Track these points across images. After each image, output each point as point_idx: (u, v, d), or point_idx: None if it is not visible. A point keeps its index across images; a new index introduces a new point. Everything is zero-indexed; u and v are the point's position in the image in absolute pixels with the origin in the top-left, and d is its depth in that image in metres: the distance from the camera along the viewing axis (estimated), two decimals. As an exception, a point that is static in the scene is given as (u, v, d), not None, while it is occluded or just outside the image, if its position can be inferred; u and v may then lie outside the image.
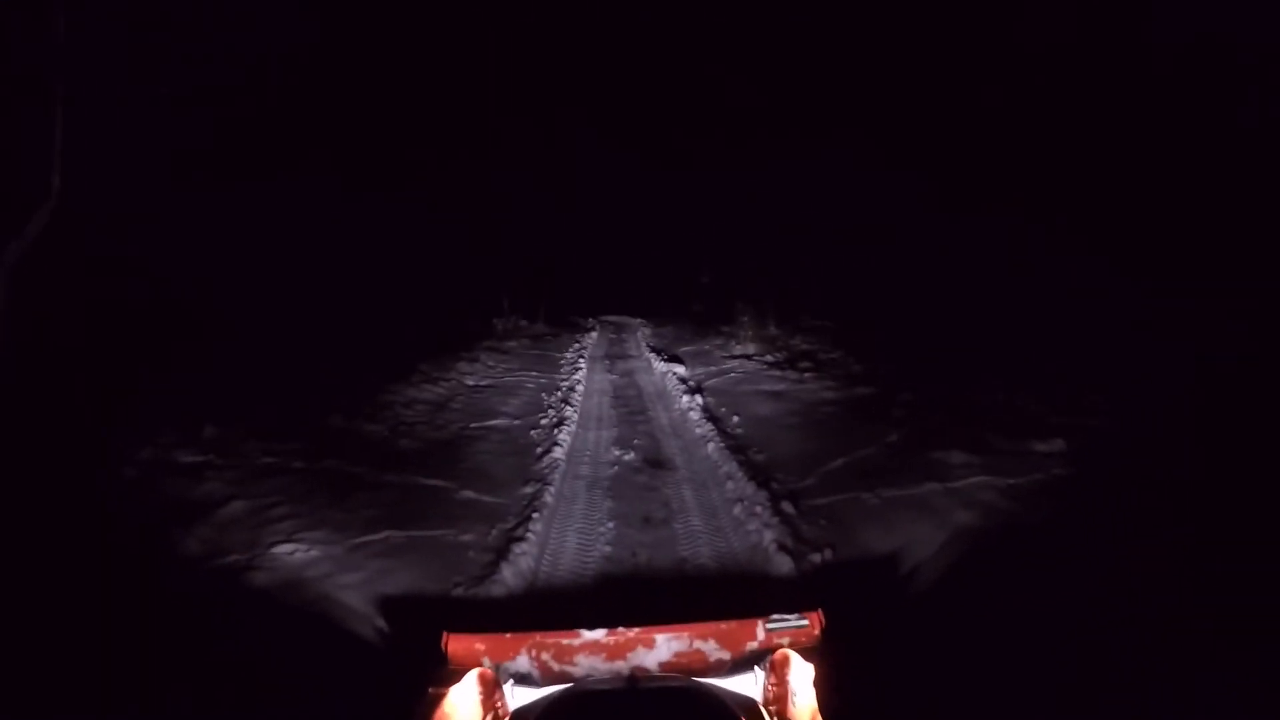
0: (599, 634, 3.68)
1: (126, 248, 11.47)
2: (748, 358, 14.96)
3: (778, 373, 13.32)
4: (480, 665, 3.41)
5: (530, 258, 24.41)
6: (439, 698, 2.85)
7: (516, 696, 3.36)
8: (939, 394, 9.92)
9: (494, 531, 6.73)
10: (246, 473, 7.82)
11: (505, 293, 22.06)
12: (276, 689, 4.07)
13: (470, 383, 13.66)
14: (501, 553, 6.24)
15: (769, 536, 6.26)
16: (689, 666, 3.53)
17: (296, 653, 4.65)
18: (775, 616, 3.67)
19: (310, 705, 3.88)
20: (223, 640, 4.71)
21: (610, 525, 6.96)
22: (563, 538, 6.72)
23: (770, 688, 3.41)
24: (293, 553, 6.06)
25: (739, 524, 6.77)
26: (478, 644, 3.59)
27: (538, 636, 3.68)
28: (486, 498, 7.65)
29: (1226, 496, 5.49)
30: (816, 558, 5.93)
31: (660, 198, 29.04)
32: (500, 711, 3.17)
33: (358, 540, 6.40)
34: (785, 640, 3.39)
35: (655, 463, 8.81)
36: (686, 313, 23.42)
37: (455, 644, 3.58)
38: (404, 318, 16.99)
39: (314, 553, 6.10)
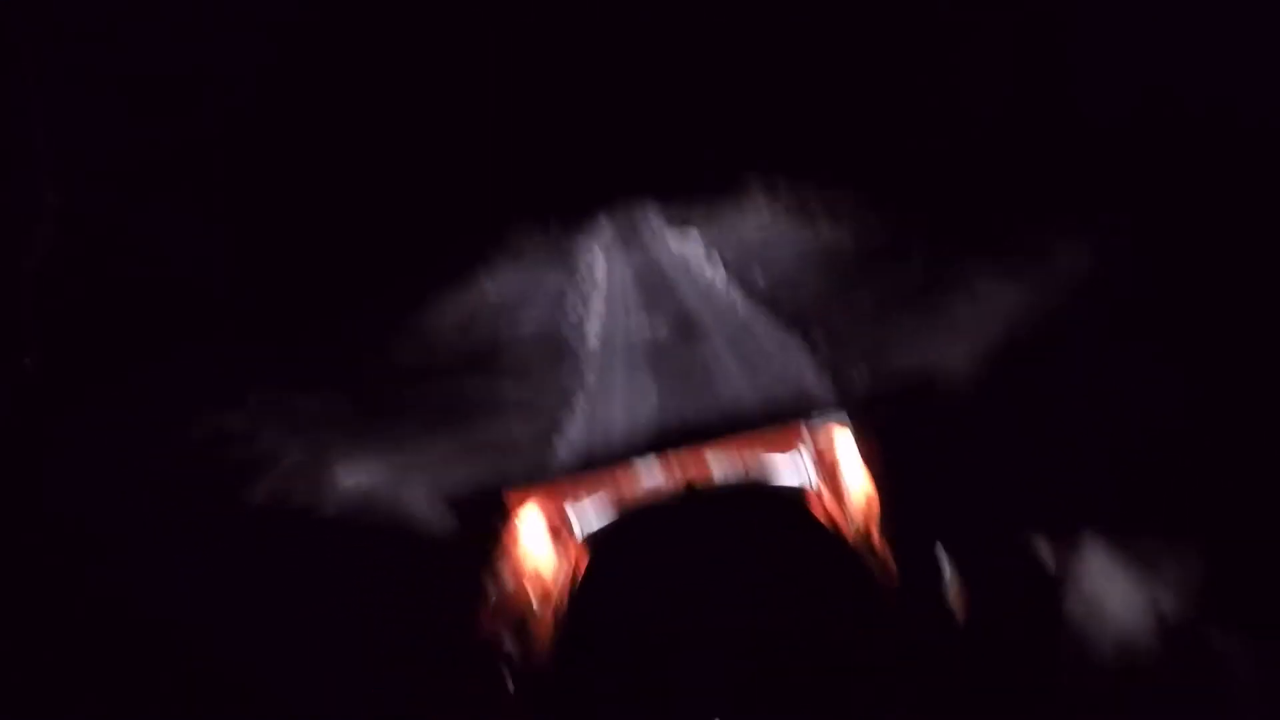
0: (651, 462, 3.77)
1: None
2: (763, 221, 14.69)
3: (794, 231, 13.02)
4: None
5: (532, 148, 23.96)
6: (507, 535, 2.98)
7: (583, 528, 3.48)
8: (962, 226, 9.52)
9: (543, 419, 6.88)
10: (295, 424, 7.73)
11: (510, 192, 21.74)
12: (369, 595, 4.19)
13: (491, 292, 13.57)
14: (551, 435, 6.40)
15: (806, 366, 6.29)
16: (741, 473, 3.63)
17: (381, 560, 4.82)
18: (815, 415, 3.74)
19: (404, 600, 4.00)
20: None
21: (653, 396, 6.96)
22: (609, 412, 6.72)
23: (818, 470, 3.50)
24: (356, 484, 6.33)
25: (776, 365, 6.59)
26: (538, 492, 3.69)
27: (594, 476, 3.78)
28: (528, 393, 7.57)
29: None
30: (854, 374, 5.96)
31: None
32: (569, 545, 3.30)
33: (413, 458, 6.58)
34: (830, 442, 3.49)
35: (687, 332, 8.70)
36: (696, 181, 23.03)
37: (515, 497, 3.69)
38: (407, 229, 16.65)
39: (374, 479, 6.35)
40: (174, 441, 7.66)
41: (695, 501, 2.97)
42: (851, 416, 3.69)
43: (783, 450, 3.77)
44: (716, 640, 1.87)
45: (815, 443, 3.68)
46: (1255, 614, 2.59)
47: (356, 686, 3.29)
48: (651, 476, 3.70)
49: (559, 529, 3.51)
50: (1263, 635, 2.53)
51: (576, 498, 3.74)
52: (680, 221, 16.61)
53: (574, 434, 6.28)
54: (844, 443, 3.23)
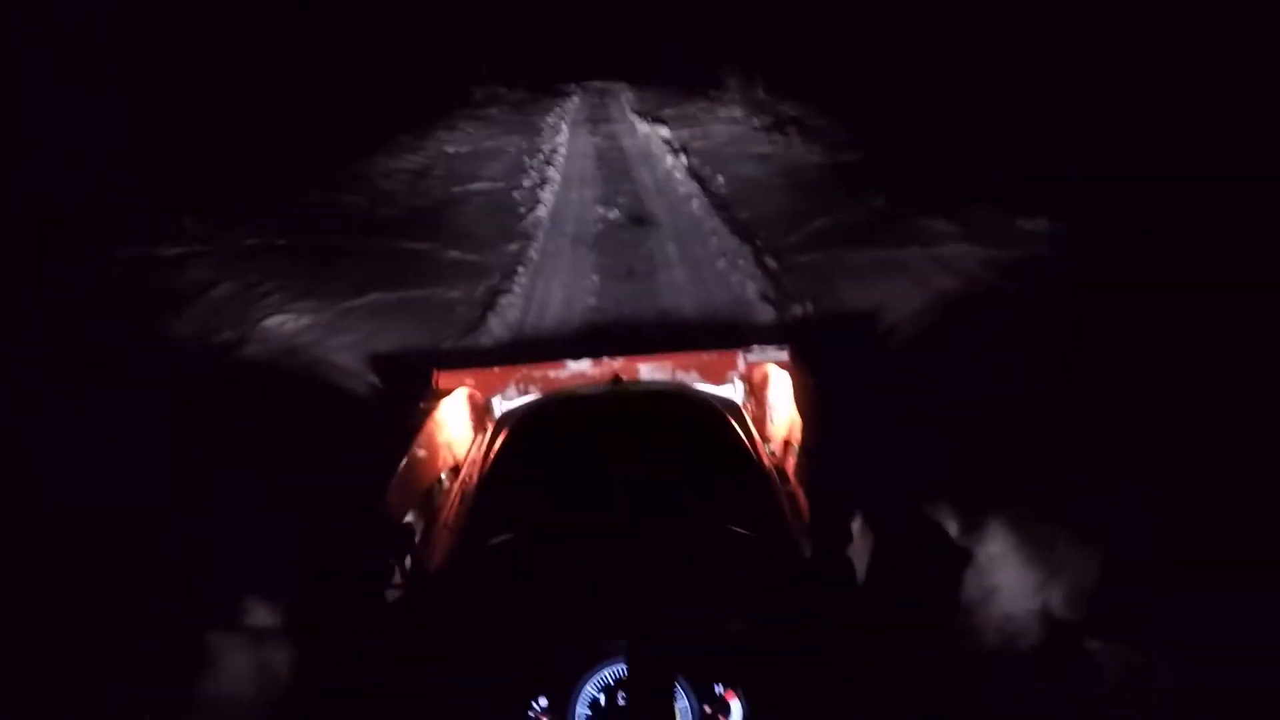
0: (584, 364, 3.80)
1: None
2: (734, 121, 14.58)
3: (763, 136, 13.03)
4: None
5: (508, 20, 23.23)
6: (428, 412, 2.97)
7: (504, 409, 3.51)
8: (928, 164, 9.69)
9: (481, 287, 6.79)
10: (230, 256, 7.70)
11: (483, 59, 21.13)
12: (277, 447, 4.13)
13: (450, 150, 13.36)
14: (489, 306, 6.33)
15: (751, 288, 6.35)
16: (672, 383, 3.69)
17: (293, 415, 4.70)
18: (754, 347, 3.80)
19: (309, 458, 3.96)
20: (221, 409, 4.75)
21: (595, 278, 7.04)
22: (548, 290, 6.81)
23: (750, 405, 3.57)
24: (283, 324, 6.07)
25: (722, 277, 6.84)
26: (467, 378, 3.71)
27: (525, 369, 3.80)
28: (471, 256, 7.66)
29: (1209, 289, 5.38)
30: (798, 309, 6.02)
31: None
32: (486, 424, 3.32)
33: (345, 305, 6.41)
34: (764, 367, 3.53)
35: (639, 220, 8.80)
36: (672, 77, 22.55)
37: (445, 378, 3.69)
38: (374, 86, 16.26)
39: (303, 321, 6.12)
40: (102, 264, 7.46)
41: (620, 397, 2.97)
42: (789, 349, 3.70)
43: (717, 374, 3.78)
44: (616, 539, 1.90)
45: (749, 373, 3.70)
46: (1136, 625, 2.69)
47: (249, 533, 3.29)
48: (582, 381, 3.71)
49: (480, 410, 3.52)
50: (1136, 645, 2.63)
51: (503, 386, 3.73)
52: (652, 111, 16.37)
53: (510, 310, 6.26)
54: (778, 377, 3.25)
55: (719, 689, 1.56)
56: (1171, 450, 3.51)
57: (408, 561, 2.25)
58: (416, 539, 2.43)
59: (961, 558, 1.77)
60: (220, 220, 8.67)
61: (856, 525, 1.97)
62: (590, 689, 1.56)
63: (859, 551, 2.00)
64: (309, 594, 1.83)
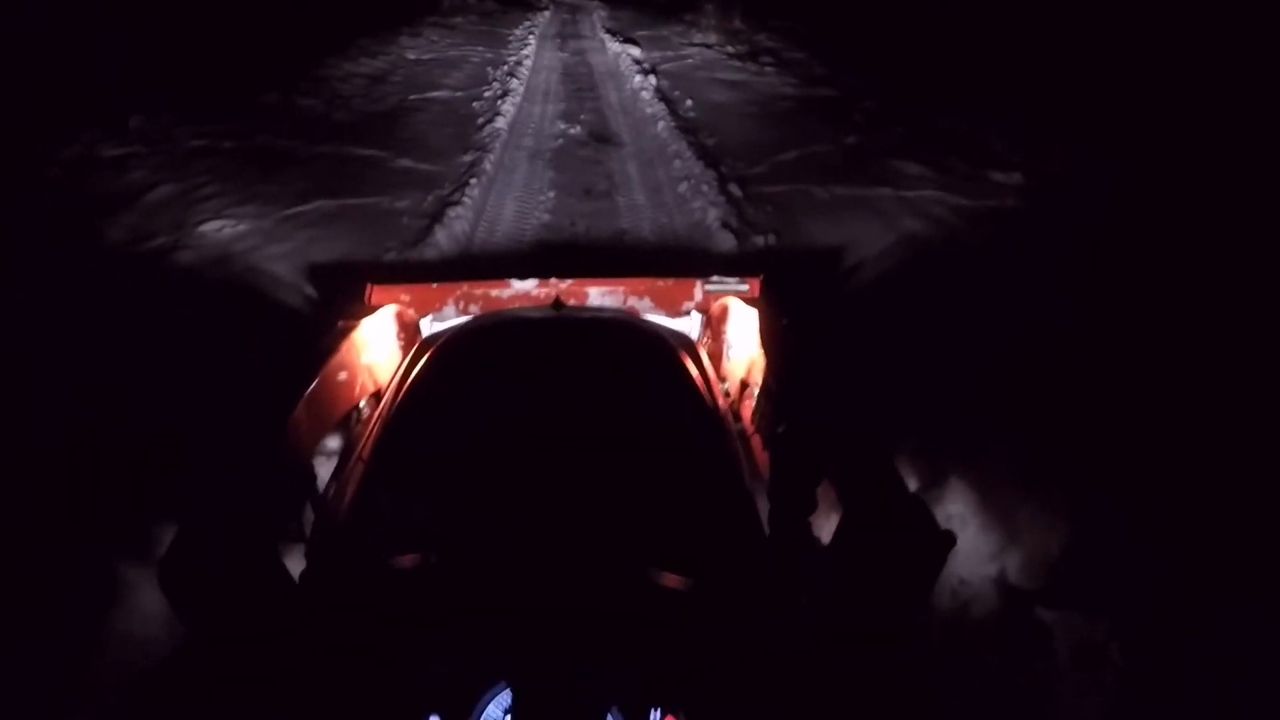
0: (529, 284, 3.53)
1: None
2: (707, 47, 14.11)
3: (737, 64, 12.62)
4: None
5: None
6: (348, 330, 2.67)
7: (434, 330, 3.23)
8: (903, 108, 9.43)
9: (429, 198, 6.50)
10: (174, 158, 7.36)
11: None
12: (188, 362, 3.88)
13: (411, 56, 12.83)
14: (436, 218, 6.04)
15: (713, 215, 6.10)
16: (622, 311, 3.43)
17: (219, 323, 4.48)
18: (714, 278, 3.55)
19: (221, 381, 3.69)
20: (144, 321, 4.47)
21: (550, 195, 6.75)
22: (500, 205, 6.51)
23: (707, 340, 3.33)
24: (220, 229, 5.81)
25: (683, 201, 6.58)
26: (402, 294, 3.42)
27: (465, 286, 3.51)
28: (423, 165, 7.35)
29: (1176, 256, 5.31)
30: (760, 240, 5.80)
31: None
32: (412, 346, 3.04)
33: (287, 212, 6.16)
34: (723, 300, 3.28)
35: (601, 138, 8.46)
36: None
37: (380, 294, 3.40)
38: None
39: (242, 227, 5.86)
40: (46, 163, 7.05)
41: (560, 323, 2.68)
42: (755, 281, 3.46)
43: (673, 302, 3.53)
44: (544, 481, 1.67)
45: (708, 305, 3.44)
46: (1091, 598, 2.55)
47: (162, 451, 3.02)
48: (526, 302, 3.43)
49: (410, 329, 3.23)
50: (1090, 618, 2.49)
51: (441, 303, 3.44)
52: (624, 31, 15.83)
53: (458, 223, 5.96)
54: (739, 312, 2.99)
55: (655, 715, 1.27)
56: (1138, 413, 3.39)
57: (309, 510, 1.99)
58: (321, 480, 2.16)
59: (944, 541, 1.51)
60: (168, 121, 8.27)
61: (821, 489, 1.74)
62: (494, 710, 1.26)
63: (822, 521, 1.78)
64: (182, 546, 1.52)
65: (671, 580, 1.48)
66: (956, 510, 2.99)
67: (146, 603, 2.49)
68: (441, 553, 1.50)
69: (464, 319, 3.18)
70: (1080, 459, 3.11)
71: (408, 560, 1.49)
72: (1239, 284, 4.72)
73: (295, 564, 1.80)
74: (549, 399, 2.07)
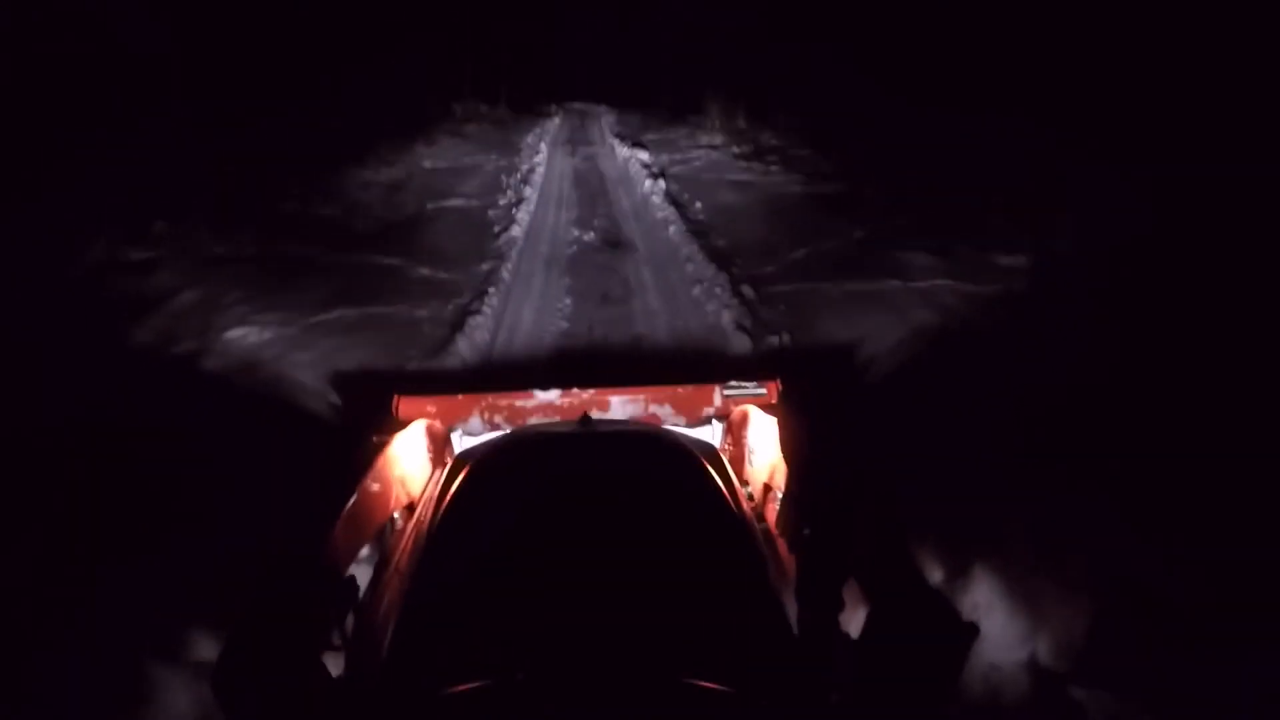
0: (553, 395, 3.62)
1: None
2: (714, 148, 14.54)
3: (743, 164, 12.98)
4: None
5: (492, 38, 23.13)
6: (383, 445, 2.74)
7: (465, 445, 3.30)
8: (907, 198, 9.68)
9: (450, 306, 6.61)
10: (198, 264, 7.50)
11: (466, 75, 21.02)
12: (227, 470, 3.95)
13: (427, 165, 13.23)
14: (457, 326, 6.14)
15: (727, 317, 6.21)
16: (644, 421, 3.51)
17: (248, 432, 4.52)
18: (733, 383, 3.63)
19: (260, 482, 3.76)
20: (173, 428, 4.54)
21: (567, 302, 6.89)
22: (519, 313, 6.65)
23: (728, 446, 3.39)
24: (245, 336, 5.90)
25: (698, 304, 6.71)
26: (429, 405, 3.50)
27: (490, 398, 3.60)
28: (442, 274, 7.50)
29: (1183, 329, 5.39)
30: (774, 340, 5.89)
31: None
32: (445, 460, 3.11)
33: (311, 320, 6.24)
34: (743, 406, 3.35)
35: (615, 243, 8.67)
36: (654, 102, 22.56)
37: (406, 405, 3.48)
38: (357, 100, 16.08)
39: (267, 334, 5.94)
40: (71, 264, 7.23)
41: (589, 438, 2.75)
42: (771, 386, 3.55)
43: (693, 408, 3.61)
44: (579, 590, 1.72)
45: (728, 411, 3.52)
46: (1122, 676, 2.56)
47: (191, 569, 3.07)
48: (549, 413, 3.52)
49: (440, 442, 3.31)
50: (1121, 696, 2.50)
51: (467, 414, 3.53)
52: (633, 135, 16.30)
53: (479, 332, 6.08)
54: (758, 417, 3.06)
55: None
56: (1162, 493, 3.41)
57: (350, 620, 2.05)
58: (362, 590, 2.22)
59: (967, 632, 1.56)
60: (191, 227, 8.46)
61: (848, 588, 1.79)
62: None
63: (851, 618, 1.82)
64: (229, 655, 1.59)
65: (709, 686, 1.53)
66: (984, 598, 3.01)
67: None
68: (489, 677, 1.55)
69: (495, 433, 3.26)
70: (1105, 533, 3.14)
71: (459, 687, 1.54)
72: (1254, 346, 4.77)
73: (334, 666, 1.86)
74: (581, 512, 2.13)
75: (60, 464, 3.97)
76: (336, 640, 1.94)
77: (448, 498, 2.38)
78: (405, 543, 2.37)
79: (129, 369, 5.40)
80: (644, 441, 2.78)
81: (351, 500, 2.32)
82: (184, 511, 3.52)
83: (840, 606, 1.86)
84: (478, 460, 2.60)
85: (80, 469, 3.91)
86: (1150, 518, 3.24)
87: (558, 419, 3.52)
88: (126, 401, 4.78)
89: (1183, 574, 2.90)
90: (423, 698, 1.56)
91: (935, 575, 3.13)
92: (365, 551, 2.79)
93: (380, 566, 2.51)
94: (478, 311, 6.39)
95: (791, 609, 1.92)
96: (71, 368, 5.20)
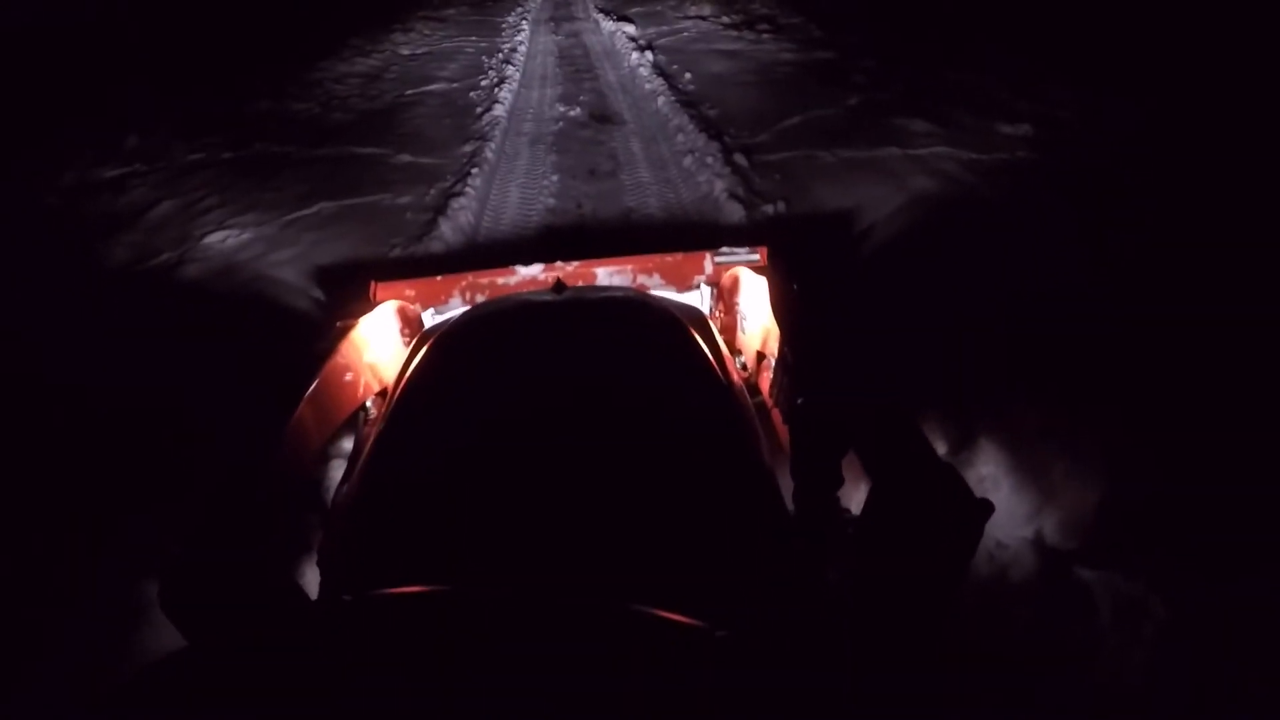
0: (535, 269, 3.45)
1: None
2: (702, 19, 13.93)
3: (734, 33, 12.45)
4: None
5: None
6: (346, 329, 2.58)
7: (431, 323, 3.16)
8: (904, 66, 9.25)
9: (432, 191, 6.40)
10: (173, 173, 7.29)
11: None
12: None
13: (405, 52, 12.72)
14: (440, 210, 5.95)
15: (720, 186, 5.98)
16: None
17: (227, 341, 4.39)
18: (724, 249, 3.46)
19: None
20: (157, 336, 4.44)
21: (554, 179, 6.65)
22: (504, 192, 6.42)
23: (719, 313, 3.24)
24: (224, 240, 5.77)
25: (689, 175, 6.47)
26: (407, 289, 3.35)
27: (470, 277, 3.44)
28: (424, 159, 7.26)
29: (1185, 205, 5.17)
30: (769, 209, 5.67)
31: None
32: (414, 339, 2.96)
33: (290, 217, 6.09)
34: (734, 270, 3.18)
35: (602, 118, 8.35)
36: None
37: (384, 290, 3.33)
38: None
39: (245, 236, 5.81)
40: (43, 191, 7.02)
41: (564, 305, 2.57)
42: (763, 250, 3.37)
43: (683, 277, 3.44)
44: (546, 478, 1.58)
45: (718, 277, 3.34)
46: (1131, 556, 2.47)
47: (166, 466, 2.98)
48: (533, 288, 3.35)
49: (414, 323, 3.16)
50: (1130, 576, 2.41)
51: (447, 295, 3.37)
52: (617, 8, 15.66)
53: (463, 214, 5.89)
54: (750, 282, 2.88)
55: None
56: (1171, 372, 3.29)
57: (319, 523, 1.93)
58: (334, 485, 2.10)
59: (981, 510, 1.41)
60: (164, 137, 8.21)
61: (846, 460, 1.65)
62: None
63: (850, 495, 1.69)
64: (180, 568, 1.45)
65: (671, 618, 1.30)
66: (989, 471, 2.91)
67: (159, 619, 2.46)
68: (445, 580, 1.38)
69: (466, 309, 3.11)
70: (1112, 411, 3.02)
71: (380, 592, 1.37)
72: (1265, 226, 4.59)
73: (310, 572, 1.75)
74: (553, 385, 1.98)
75: (49, 399, 3.88)
76: (300, 540, 1.83)
77: (405, 379, 2.24)
78: (374, 431, 2.23)
79: (108, 289, 5.26)
80: (622, 307, 2.60)
81: (313, 387, 2.17)
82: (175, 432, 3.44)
83: (840, 482, 1.73)
84: (440, 335, 2.44)
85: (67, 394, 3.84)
86: (1159, 391, 3.14)
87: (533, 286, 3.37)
88: (106, 325, 4.67)
89: (1193, 456, 2.80)
90: (351, 602, 1.41)
91: (937, 448, 3.03)
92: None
93: (353, 458, 2.39)
94: (460, 194, 6.17)
95: (787, 486, 1.79)
96: (51, 295, 5.09)
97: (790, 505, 1.77)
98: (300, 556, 1.96)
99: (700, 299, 3.35)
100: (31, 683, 2.38)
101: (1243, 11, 8.45)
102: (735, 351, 2.86)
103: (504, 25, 15.17)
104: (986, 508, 1.40)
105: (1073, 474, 2.79)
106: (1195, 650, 2.25)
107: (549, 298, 2.58)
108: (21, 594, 2.62)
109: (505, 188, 6.53)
